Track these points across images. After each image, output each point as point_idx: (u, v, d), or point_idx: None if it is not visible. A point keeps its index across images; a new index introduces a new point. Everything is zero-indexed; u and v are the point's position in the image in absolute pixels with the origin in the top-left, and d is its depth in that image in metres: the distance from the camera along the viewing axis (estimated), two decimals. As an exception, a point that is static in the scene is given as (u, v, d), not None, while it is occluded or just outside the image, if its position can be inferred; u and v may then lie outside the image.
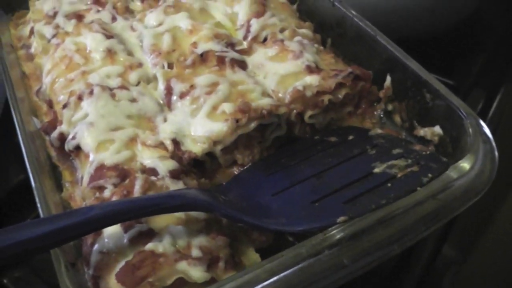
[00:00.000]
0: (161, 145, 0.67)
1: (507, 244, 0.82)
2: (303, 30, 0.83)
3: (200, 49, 0.77)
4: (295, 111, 0.70)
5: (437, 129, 0.69)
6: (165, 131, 0.68)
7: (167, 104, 0.73)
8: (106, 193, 0.61)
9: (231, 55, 0.76)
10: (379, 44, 0.77)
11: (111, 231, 0.56)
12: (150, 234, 0.55)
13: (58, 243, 0.53)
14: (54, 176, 0.71)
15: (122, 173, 0.62)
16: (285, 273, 0.49)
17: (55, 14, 0.89)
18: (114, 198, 0.60)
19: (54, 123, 0.73)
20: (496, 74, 1.07)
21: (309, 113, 0.71)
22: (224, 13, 0.88)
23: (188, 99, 0.70)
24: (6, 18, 0.98)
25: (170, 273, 0.52)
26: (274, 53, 0.78)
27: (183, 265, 0.52)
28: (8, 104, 0.77)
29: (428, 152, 0.62)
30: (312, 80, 0.71)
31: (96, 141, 0.66)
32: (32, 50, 0.89)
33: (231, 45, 0.80)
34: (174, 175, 0.62)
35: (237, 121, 0.66)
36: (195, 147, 0.66)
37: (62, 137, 0.70)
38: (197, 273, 0.52)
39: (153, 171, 0.63)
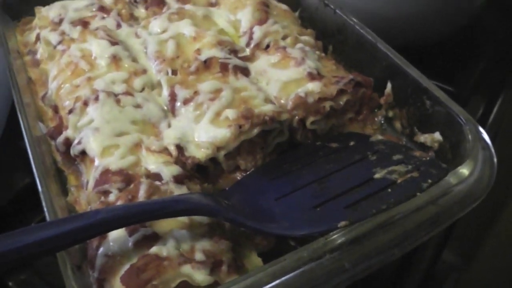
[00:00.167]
0: (165, 150, 0.67)
1: (507, 250, 0.82)
2: (305, 37, 0.84)
3: (203, 56, 0.77)
4: (297, 117, 0.71)
5: (437, 135, 0.69)
6: (169, 136, 0.69)
7: (171, 110, 0.73)
8: (111, 198, 0.61)
9: (234, 62, 0.77)
10: (380, 51, 0.77)
11: (116, 235, 0.56)
12: (155, 238, 0.56)
13: (64, 246, 0.53)
14: (59, 180, 0.71)
15: (127, 178, 0.63)
16: (287, 276, 0.49)
17: (61, 20, 0.90)
18: (119, 203, 0.60)
19: (60, 128, 0.73)
20: (496, 80, 1.08)
21: (311, 119, 0.72)
22: (227, 20, 0.89)
23: (192, 105, 0.71)
24: (13, 24, 0.99)
25: (174, 276, 0.52)
26: (276, 60, 0.78)
27: (187, 269, 0.53)
28: (13, 109, 0.78)
29: (428, 158, 0.62)
30: (313, 86, 0.72)
31: (101, 146, 0.66)
32: (38, 56, 0.90)
33: (234, 52, 0.80)
34: (178, 180, 0.63)
35: (240, 127, 0.66)
36: (199, 153, 0.67)
37: (68, 142, 0.71)
38: (200, 276, 0.53)
39: (157, 176, 0.63)
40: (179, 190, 0.62)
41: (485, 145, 0.61)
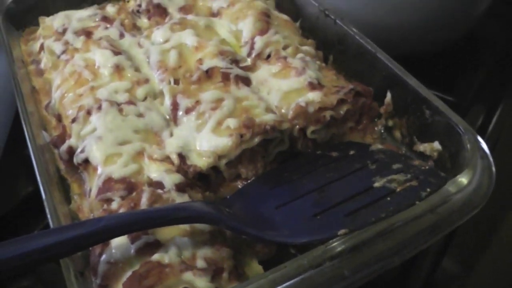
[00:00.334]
0: (167, 159, 0.68)
1: (508, 258, 0.82)
2: (306, 47, 0.85)
3: (205, 66, 0.78)
4: (297, 126, 0.72)
5: (436, 144, 0.70)
6: (171, 145, 0.69)
7: (173, 119, 0.74)
8: (114, 205, 0.62)
9: (236, 71, 0.78)
10: (380, 61, 0.78)
11: (119, 242, 0.57)
12: (157, 245, 0.57)
13: (67, 253, 0.54)
14: (62, 188, 0.72)
15: (130, 186, 0.63)
16: (287, 283, 0.50)
17: (65, 30, 0.91)
18: (121, 210, 0.61)
19: (63, 136, 0.74)
20: (495, 90, 1.08)
21: (311, 128, 0.72)
22: (229, 30, 0.90)
23: (194, 114, 0.72)
24: (17, 34, 1.00)
25: (176, 283, 0.53)
26: (277, 70, 0.79)
27: (188, 276, 0.53)
28: (18, 118, 0.78)
29: (427, 167, 0.63)
30: (314, 96, 0.72)
31: (104, 154, 0.67)
32: (42, 65, 0.91)
33: (235, 61, 0.81)
34: (180, 188, 0.64)
35: (241, 136, 0.67)
36: (200, 161, 0.67)
37: (71, 151, 0.72)
38: (202, 283, 0.53)
39: (159, 184, 0.64)
40: (181, 198, 0.62)
41: (483, 154, 0.62)
